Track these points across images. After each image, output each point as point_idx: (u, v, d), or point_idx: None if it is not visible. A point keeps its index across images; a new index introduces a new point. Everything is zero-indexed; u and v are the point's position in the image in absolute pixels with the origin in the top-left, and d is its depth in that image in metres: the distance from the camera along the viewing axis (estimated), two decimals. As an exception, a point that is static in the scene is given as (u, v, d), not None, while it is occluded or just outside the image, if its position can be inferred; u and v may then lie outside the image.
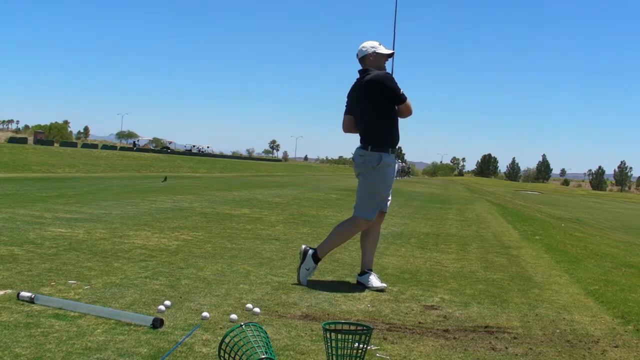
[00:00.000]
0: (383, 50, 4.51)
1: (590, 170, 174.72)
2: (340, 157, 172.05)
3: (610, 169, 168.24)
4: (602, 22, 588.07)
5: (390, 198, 4.59)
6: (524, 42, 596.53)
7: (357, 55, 4.55)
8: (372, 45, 4.51)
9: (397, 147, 4.56)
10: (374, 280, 4.36)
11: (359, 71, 4.52)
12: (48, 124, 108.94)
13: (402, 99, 4.43)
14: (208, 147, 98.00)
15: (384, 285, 4.34)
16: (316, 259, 4.41)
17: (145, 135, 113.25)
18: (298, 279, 4.36)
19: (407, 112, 4.52)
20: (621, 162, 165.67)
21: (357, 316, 3.56)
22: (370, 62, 4.49)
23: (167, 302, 3.44)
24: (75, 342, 2.72)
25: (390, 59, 4.60)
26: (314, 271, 4.47)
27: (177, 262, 4.91)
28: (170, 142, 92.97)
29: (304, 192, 18.17)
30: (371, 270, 4.47)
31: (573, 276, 5.45)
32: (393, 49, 4.65)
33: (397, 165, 5.25)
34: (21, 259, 4.60)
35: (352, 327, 2.65)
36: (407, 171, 56.94)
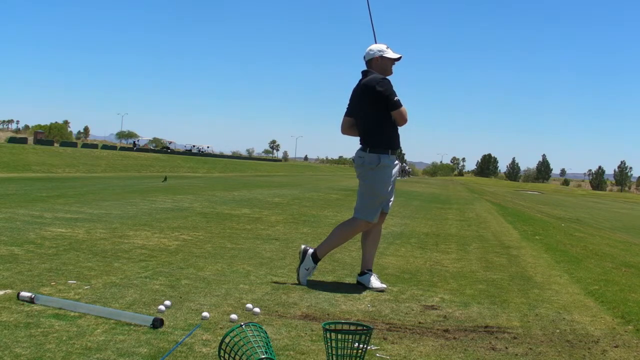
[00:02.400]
0: (390, 54, 4.45)
1: (590, 170, 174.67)
2: (341, 157, 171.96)
3: (610, 169, 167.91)
4: (603, 21, 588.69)
5: (392, 199, 4.58)
6: (524, 42, 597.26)
7: (364, 57, 4.52)
8: (379, 48, 4.45)
9: (398, 148, 4.50)
10: (374, 281, 4.35)
11: (362, 72, 4.51)
12: (48, 124, 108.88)
13: (394, 105, 4.31)
14: (208, 147, 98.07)
15: (384, 286, 4.34)
16: (315, 259, 4.41)
17: (145, 135, 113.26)
18: (298, 279, 4.36)
19: (401, 120, 4.41)
20: (621, 162, 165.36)
21: (357, 316, 3.56)
22: (375, 65, 4.45)
23: (167, 302, 3.44)
24: (75, 342, 2.72)
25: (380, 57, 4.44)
26: (314, 271, 4.47)
27: (177, 262, 4.91)
28: (170, 142, 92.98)
29: (304, 192, 18.18)
30: (371, 270, 4.47)
31: (573, 276, 5.45)
32: (375, 42, 4.52)
33: (398, 166, 5.13)
34: (21, 259, 4.60)
35: (352, 327, 2.65)
36: (407, 172, 56.75)
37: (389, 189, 4.45)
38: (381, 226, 4.63)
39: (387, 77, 4.42)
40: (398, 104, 4.33)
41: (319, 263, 4.51)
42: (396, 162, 4.49)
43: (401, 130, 4.52)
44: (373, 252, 4.55)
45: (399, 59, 4.49)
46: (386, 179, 4.40)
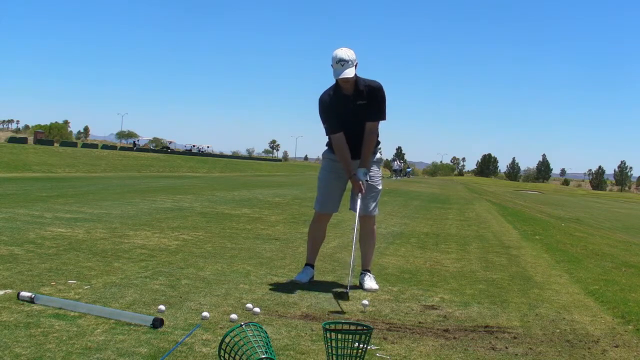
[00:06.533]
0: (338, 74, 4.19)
1: (590, 170, 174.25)
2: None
3: (610, 169, 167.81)
4: (602, 21, 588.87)
5: (361, 200, 4.41)
6: (524, 42, 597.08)
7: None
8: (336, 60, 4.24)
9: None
10: (367, 281, 4.37)
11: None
12: (48, 124, 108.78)
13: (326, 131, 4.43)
14: (208, 147, 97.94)
15: (376, 287, 4.32)
16: (310, 266, 4.54)
17: (145, 135, 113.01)
18: (295, 280, 4.42)
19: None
20: (621, 162, 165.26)
21: (357, 316, 3.56)
22: None
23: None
24: (75, 342, 2.72)
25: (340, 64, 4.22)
26: (314, 272, 4.53)
27: (177, 262, 4.92)
28: (170, 142, 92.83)
29: (304, 192, 18.17)
30: (367, 271, 4.48)
31: (573, 276, 5.45)
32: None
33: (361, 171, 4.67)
34: (21, 259, 4.60)
35: (352, 327, 2.65)
36: (399, 171, 55.96)
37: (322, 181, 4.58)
38: (369, 227, 4.54)
39: (324, 99, 4.30)
40: (326, 131, 4.42)
41: (316, 264, 4.60)
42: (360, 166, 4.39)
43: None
44: (367, 253, 4.54)
45: (339, 82, 4.25)
46: (321, 170, 4.62)
